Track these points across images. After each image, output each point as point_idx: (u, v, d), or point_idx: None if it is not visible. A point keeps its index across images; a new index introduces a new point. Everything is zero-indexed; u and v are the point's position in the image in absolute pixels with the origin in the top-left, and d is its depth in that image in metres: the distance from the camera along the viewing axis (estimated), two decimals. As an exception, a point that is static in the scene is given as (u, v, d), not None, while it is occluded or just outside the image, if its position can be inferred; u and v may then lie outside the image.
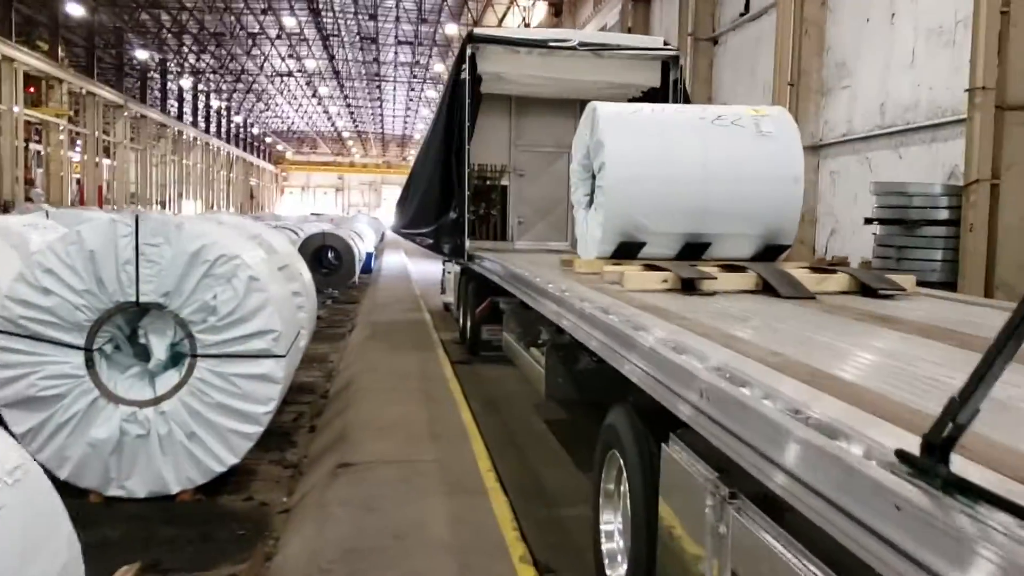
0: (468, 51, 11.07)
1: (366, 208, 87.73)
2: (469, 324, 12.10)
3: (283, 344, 6.24)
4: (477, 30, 12.01)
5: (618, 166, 6.64)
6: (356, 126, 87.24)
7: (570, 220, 12.86)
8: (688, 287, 5.51)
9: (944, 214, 11.13)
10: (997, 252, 10.95)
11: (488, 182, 12.81)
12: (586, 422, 7.98)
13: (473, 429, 7.29)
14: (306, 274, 9.22)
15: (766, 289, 5.62)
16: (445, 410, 7.96)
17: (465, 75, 11.10)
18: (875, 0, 14.30)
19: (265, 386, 6.15)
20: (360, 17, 48.41)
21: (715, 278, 5.55)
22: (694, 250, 6.88)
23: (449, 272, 15.54)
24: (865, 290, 5.68)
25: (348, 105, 74.99)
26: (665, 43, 12.06)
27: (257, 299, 6.12)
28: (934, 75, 12.90)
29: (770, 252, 7.05)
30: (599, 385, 6.23)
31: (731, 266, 6.22)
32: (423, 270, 25.24)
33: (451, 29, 45.94)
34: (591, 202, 7.22)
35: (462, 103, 11.09)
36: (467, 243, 11.17)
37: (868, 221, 11.75)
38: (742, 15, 19.11)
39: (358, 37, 52.78)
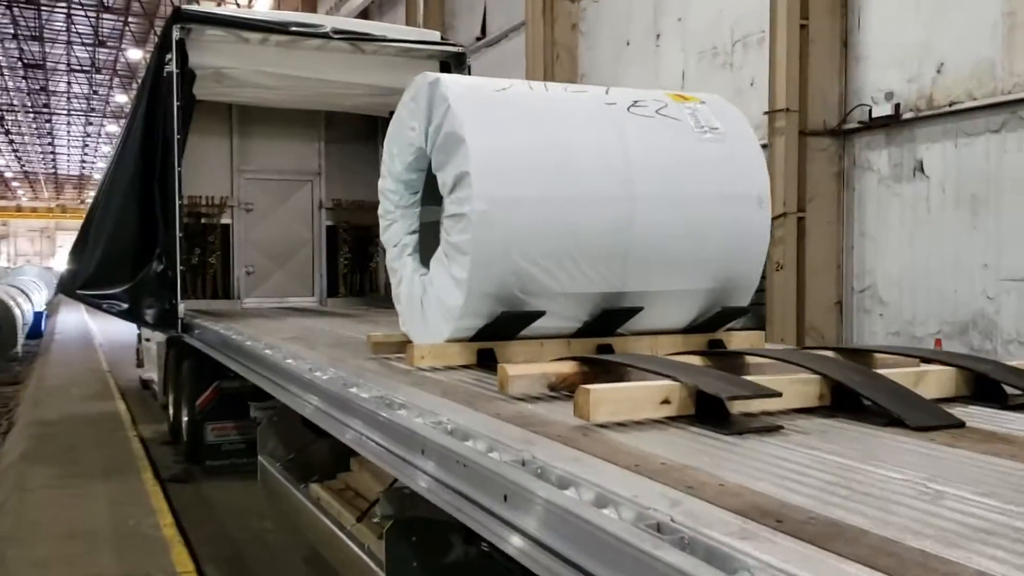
0: (175, 35, 7.87)
1: (38, 258, 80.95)
2: (185, 419, 8.79)
3: None
4: (189, 7, 8.66)
5: (492, 179, 3.66)
6: (23, 165, 77.69)
7: (316, 267, 10.08)
8: (710, 413, 2.66)
9: (744, 253, 9.71)
10: (806, 293, 9.86)
11: (204, 220, 9.74)
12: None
13: None
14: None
15: (839, 404, 2.90)
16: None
17: (172, 69, 7.81)
18: (636, 21, 13.22)
19: None
20: (21, 39, 41.87)
21: (778, 394, 2.70)
22: (611, 320, 4.04)
23: (148, 339, 11.85)
24: (988, 392, 3.11)
25: (11, 142, 66.32)
26: (443, 37, 9.37)
27: None
28: (709, 102, 11.51)
29: (721, 319, 4.34)
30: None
31: (726, 354, 3.45)
32: (111, 331, 20.72)
33: (134, 55, 40.99)
34: (424, 245, 4.20)
35: (167, 109, 7.91)
36: (181, 307, 7.88)
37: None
38: (478, 39, 17.83)
39: (20, 63, 45.81)
